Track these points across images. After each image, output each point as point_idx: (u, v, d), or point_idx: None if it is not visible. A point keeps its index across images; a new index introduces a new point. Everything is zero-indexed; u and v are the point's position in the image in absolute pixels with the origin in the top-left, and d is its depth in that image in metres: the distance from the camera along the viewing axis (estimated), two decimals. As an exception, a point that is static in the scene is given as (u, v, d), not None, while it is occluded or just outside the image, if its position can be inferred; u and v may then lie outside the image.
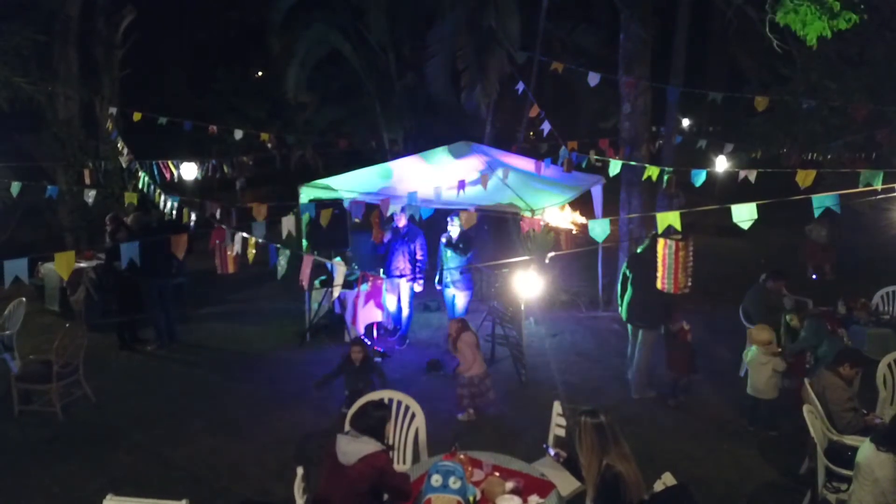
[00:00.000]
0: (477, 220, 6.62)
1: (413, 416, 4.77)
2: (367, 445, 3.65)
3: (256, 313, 9.67)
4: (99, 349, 8.04)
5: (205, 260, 8.59)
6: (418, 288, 8.35)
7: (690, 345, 6.67)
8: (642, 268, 6.44)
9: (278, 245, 4.34)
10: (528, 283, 5.76)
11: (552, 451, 4.24)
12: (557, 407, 4.79)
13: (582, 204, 9.88)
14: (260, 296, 10.63)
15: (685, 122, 24.49)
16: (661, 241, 4.09)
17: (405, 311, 8.43)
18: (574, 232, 10.49)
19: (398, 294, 8.37)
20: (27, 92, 11.44)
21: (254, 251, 4.58)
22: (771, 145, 8.59)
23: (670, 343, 6.74)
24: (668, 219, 4.92)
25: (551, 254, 4.20)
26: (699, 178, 6.05)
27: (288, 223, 5.03)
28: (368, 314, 8.50)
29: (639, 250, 6.65)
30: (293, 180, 17.51)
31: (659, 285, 4.09)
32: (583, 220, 13.78)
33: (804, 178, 5.28)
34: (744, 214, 4.70)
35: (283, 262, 4.26)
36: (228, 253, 4.87)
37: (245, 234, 4.52)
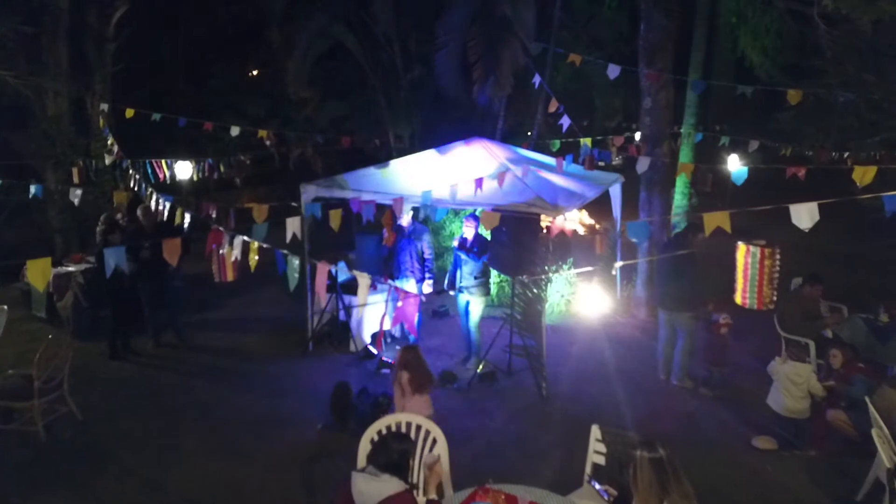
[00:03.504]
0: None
1: (434, 441, 4.26)
2: (389, 485, 3.14)
3: (256, 320, 9.14)
4: (87, 359, 7.52)
5: (201, 263, 8.07)
6: (427, 289, 7.87)
7: (726, 338, 6.64)
8: (669, 256, 6.43)
9: (286, 252, 3.82)
10: (594, 298, 4.76)
11: (598, 487, 3.74)
12: (596, 431, 4.29)
13: (594, 204, 9.42)
14: (260, 301, 10.10)
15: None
16: (741, 248, 3.58)
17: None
18: (583, 233, 10.04)
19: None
20: (14, 87, 10.93)
21: (256, 257, 4.06)
22: (801, 141, 8.11)
23: (707, 334, 6.77)
24: (717, 219, 4.44)
25: (619, 263, 3.68)
26: (741, 177, 5.55)
27: (293, 225, 4.51)
28: (375, 321, 7.98)
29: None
30: (292, 179, 17.03)
31: (739, 300, 3.60)
32: (591, 221, 13.27)
33: (862, 175, 4.79)
34: (803, 216, 4.22)
35: (294, 269, 3.73)
36: (226, 259, 4.36)
37: (245, 238, 4.00)
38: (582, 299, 4.30)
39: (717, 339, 6.71)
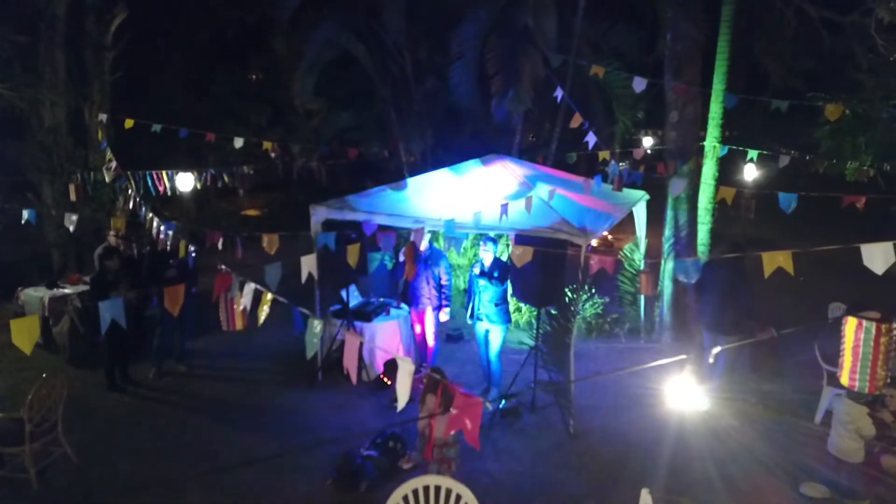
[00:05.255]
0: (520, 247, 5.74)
1: (466, 507, 3.83)
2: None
3: (262, 346, 8.64)
4: (84, 390, 7.11)
5: (202, 280, 7.62)
6: (444, 317, 7.47)
7: (773, 349, 6.66)
8: (716, 275, 6.36)
9: (306, 312, 3.38)
10: (684, 392, 3.95)
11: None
12: (646, 497, 3.86)
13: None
14: (265, 324, 9.61)
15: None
16: (851, 322, 3.15)
17: (430, 344, 7.53)
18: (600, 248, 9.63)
19: (423, 325, 7.50)
20: (9, 98, 10.53)
21: (267, 309, 3.62)
22: (837, 158, 7.67)
23: (751, 348, 6.70)
24: (777, 260, 4.01)
25: (717, 349, 3.25)
26: (789, 203, 5.12)
27: (308, 264, 4.09)
28: (388, 349, 7.55)
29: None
30: (296, 189, 16.59)
31: (845, 381, 3.18)
32: (605, 234, 12.73)
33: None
34: (877, 258, 3.77)
35: (314, 334, 3.28)
36: (235, 306, 3.93)
37: (258, 286, 3.57)
38: (669, 392, 3.65)
39: (768, 351, 6.48)
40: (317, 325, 3.40)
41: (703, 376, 6.48)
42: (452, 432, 4.14)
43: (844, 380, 3.23)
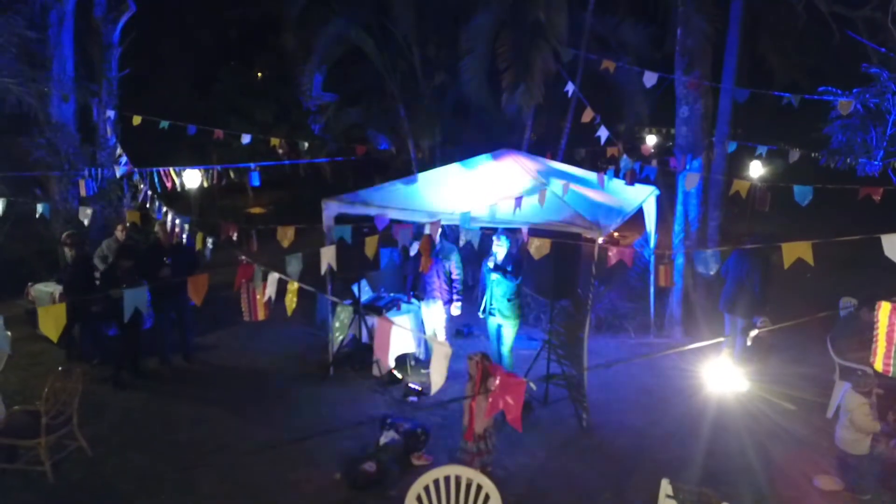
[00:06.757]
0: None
1: (486, 498, 3.84)
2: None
3: (273, 340, 8.63)
4: (96, 385, 7.09)
5: (213, 277, 7.60)
6: (456, 311, 7.46)
7: (766, 340, 6.60)
8: (739, 263, 6.69)
9: (335, 299, 3.37)
10: (720, 376, 3.86)
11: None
12: (667, 487, 3.86)
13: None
14: (276, 316, 9.61)
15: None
16: (885, 307, 3.13)
17: (441, 338, 7.52)
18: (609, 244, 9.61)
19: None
20: (16, 93, 10.54)
21: (295, 299, 3.61)
22: (850, 153, 7.65)
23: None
24: (798, 250, 4.01)
25: (755, 332, 3.24)
26: (805, 196, 5.11)
27: (327, 255, 4.09)
28: (399, 343, 7.54)
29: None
30: (303, 185, 16.60)
31: (879, 367, 3.16)
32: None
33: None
34: (898, 247, 3.77)
35: (344, 325, 3.26)
36: (258, 297, 3.92)
37: (281, 275, 3.57)
38: (706, 375, 3.60)
39: (759, 339, 6.70)
40: (345, 313, 3.39)
41: (738, 358, 6.54)
42: (494, 414, 4.12)
43: (878, 365, 3.23)
